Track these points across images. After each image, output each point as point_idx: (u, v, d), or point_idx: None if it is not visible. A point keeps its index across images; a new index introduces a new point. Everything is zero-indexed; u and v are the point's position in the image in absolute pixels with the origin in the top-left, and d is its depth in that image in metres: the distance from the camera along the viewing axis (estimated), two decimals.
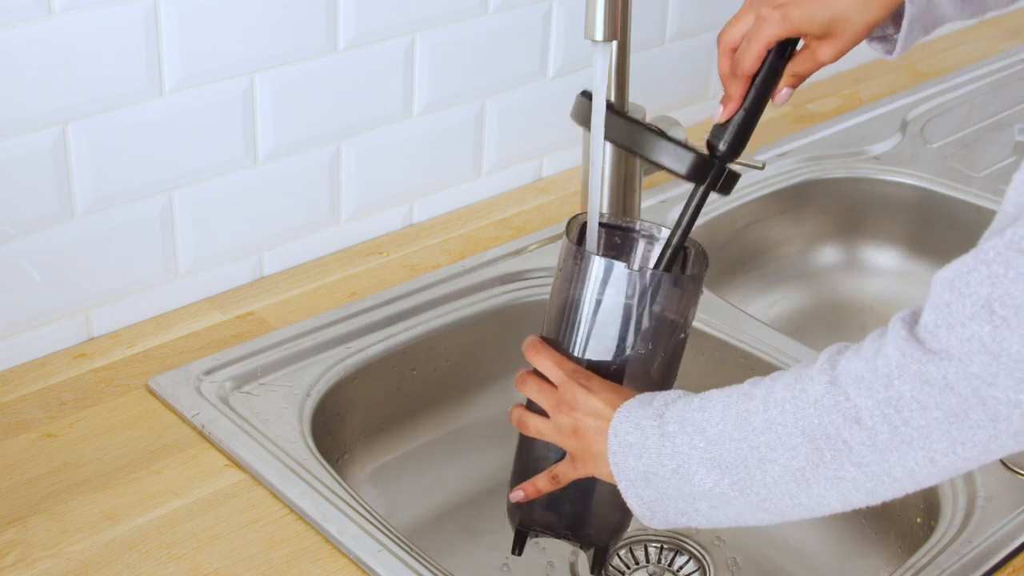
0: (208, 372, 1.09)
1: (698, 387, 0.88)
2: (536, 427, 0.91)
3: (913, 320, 0.74)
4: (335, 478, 0.98)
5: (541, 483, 0.93)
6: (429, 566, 0.90)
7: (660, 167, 0.92)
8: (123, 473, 0.99)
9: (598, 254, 0.94)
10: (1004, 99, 1.69)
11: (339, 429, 1.11)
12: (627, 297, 0.89)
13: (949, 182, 1.47)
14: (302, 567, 0.91)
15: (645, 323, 0.89)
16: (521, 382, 0.92)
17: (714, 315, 1.20)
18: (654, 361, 0.90)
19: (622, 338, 0.90)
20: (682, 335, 0.92)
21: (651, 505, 0.85)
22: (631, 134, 0.94)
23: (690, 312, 0.92)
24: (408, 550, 0.91)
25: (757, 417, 0.80)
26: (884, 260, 1.52)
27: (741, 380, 0.84)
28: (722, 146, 0.92)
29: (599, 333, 0.90)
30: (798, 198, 1.47)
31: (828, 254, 1.52)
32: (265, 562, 0.91)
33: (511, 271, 1.25)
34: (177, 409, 1.05)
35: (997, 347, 0.69)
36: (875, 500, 0.78)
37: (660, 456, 0.83)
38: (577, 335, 0.91)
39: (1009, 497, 0.98)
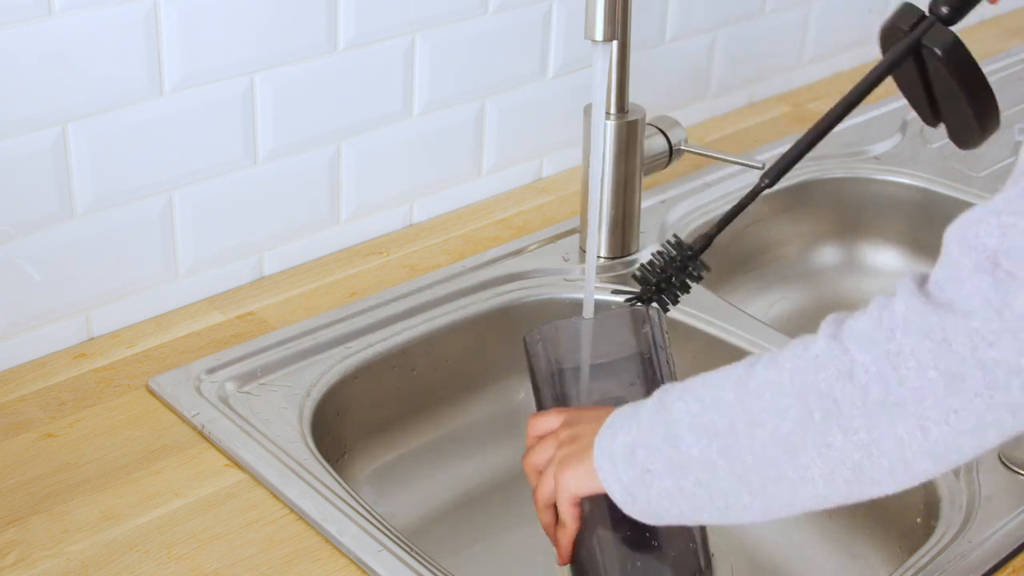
0: (208, 372, 1.09)
1: None
2: (536, 454, 0.90)
3: (924, 279, 0.71)
4: (335, 478, 0.98)
5: (546, 519, 0.91)
6: (429, 566, 0.90)
7: None
8: (123, 473, 0.99)
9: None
10: (1004, 99, 1.68)
11: (339, 429, 1.11)
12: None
13: (949, 182, 1.47)
14: (302, 567, 0.91)
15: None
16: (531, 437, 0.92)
17: (714, 315, 1.20)
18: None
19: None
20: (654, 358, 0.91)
21: (632, 488, 0.82)
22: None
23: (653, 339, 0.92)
24: (408, 550, 0.92)
25: (756, 379, 0.77)
26: (884, 260, 1.52)
27: None
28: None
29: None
30: (798, 198, 1.47)
31: (828, 254, 1.52)
32: (265, 562, 0.91)
33: (511, 271, 1.25)
34: (177, 409, 1.05)
35: (1001, 302, 0.67)
36: (860, 485, 0.74)
37: (652, 426, 0.81)
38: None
39: (1009, 497, 0.98)
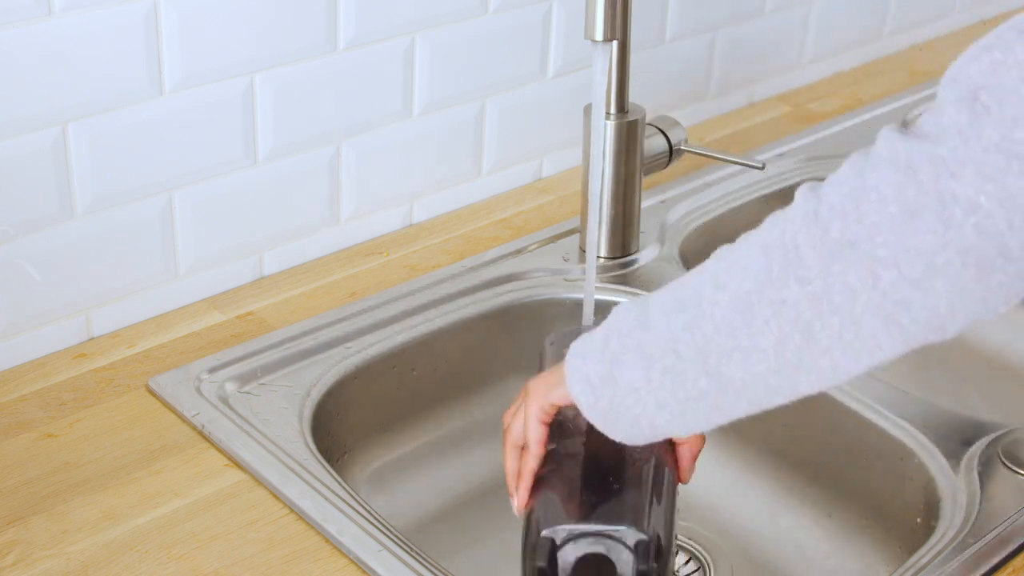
0: (208, 372, 1.09)
1: None
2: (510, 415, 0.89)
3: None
4: (335, 478, 0.98)
5: (510, 462, 0.88)
6: (429, 566, 0.90)
7: None
8: (123, 473, 0.99)
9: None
10: None
11: (339, 429, 1.11)
12: None
13: None
14: (302, 567, 0.91)
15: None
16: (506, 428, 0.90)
17: None
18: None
19: None
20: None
21: (598, 386, 0.80)
22: None
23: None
24: (408, 550, 0.92)
25: (733, 250, 0.76)
26: None
27: None
28: None
29: None
30: None
31: None
32: (265, 562, 0.91)
33: (511, 271, 1.25)
34: (177, 409, 1.05)
35: (971, 132, 0.65)
36: (811, 357, 0.72)
37: (627, 314, 0.80)
38: None
39: (1009, 497, 0.98)
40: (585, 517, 0.83)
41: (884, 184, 0.68)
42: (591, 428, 0.84)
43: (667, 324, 0.77)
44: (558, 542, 0.82)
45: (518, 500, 0.88)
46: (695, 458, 0.89)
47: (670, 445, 0.89)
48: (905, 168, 0.67)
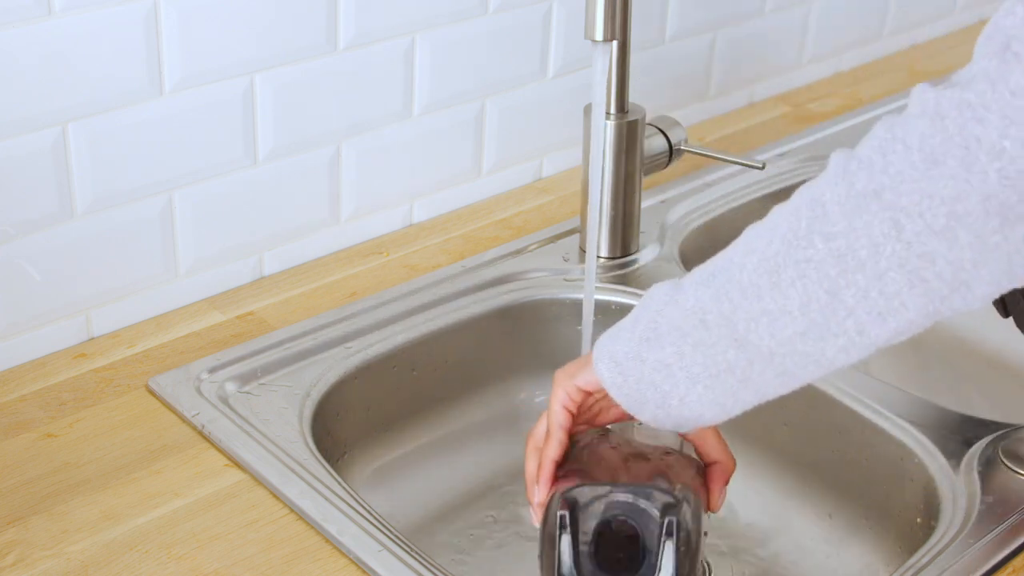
0: (208, 372, 1.09)
1: None
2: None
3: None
4: (335, 478, 0.98)
5: (531, 465, 0.84)
6: (429, 566, 0.90)
7: None
8: (123, 473, 0.99)
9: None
10: None
11: (339, 429, 1.11)
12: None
13: None
14: (302, 567, 0.91)
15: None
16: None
17: None
18: None
19: None
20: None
21: (623, 365, 0.78)
22: None
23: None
24: (408, 550, 0.91)
25: (762, 221, 0.75)
26: None
27: None
28: None
29: None
30: None
31: None
32: (265, 562, 0.91)
33: (511, 271, 1.25)
34: (177, 409, 1.05)
35: (999, 77, 0.65)
36: (836, 318, 0.71)
37: (659, 292, 0.79)
38: None
39: (1009, 497, 0.98)
40: (613, 486, 0.79)
41: (910, 132, 0.68)
42: (625, 459, 0.82)
43: (696, 296, 0.76)
44: (582, 502, 0.78)
45: (537, 493, 0.83)
46: (725, 482, 0.86)
47: (701, 475, 0.85)
48: (933, 116, 0.67)
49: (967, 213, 0.67)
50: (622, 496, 0.78)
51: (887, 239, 0.69)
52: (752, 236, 0.76)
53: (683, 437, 0.86)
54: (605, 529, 0.78)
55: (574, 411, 0.84)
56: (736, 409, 0.79)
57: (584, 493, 0.79)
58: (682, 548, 0.77)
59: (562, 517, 0.78)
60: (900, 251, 0.69)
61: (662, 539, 0.77)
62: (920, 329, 0.72)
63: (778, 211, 0.75)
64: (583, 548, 0.78)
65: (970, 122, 0.66)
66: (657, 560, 0.77)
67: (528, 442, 0.87)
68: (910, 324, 0.72)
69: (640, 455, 0.85)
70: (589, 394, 0.84)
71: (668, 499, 0.78)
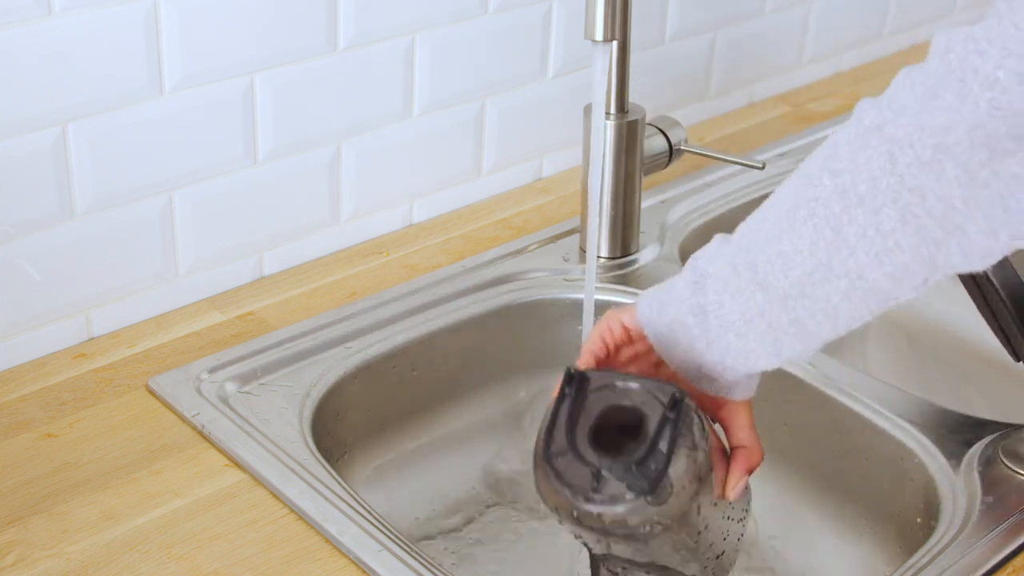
0: (208, 372, 1.09)
1: None
2: None
3: None
4: (335, 478, 0.98)
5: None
6: (429, 566, 0.90)
7: None
8: (123, 473, 0.99)
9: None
10: None
11: (339, 429, 1.11)
12: None
13: None
14: (302, 567, 0.91)
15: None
16: None
17: None
18: None
19: None
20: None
21: (664, 304, 0.78)
22: None
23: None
24: (408, 550, 0.92)
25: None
26: None
27: None
28: None
29: None
30: None
31: None
32: (265, 562, 0.91)
33: (511, 271, 1.25)
34: (177, 409, 1.05)
35: (1007, 11, 0.65)
36: (839, 256, 0.71)
37: (712, 245, 0.80)
38: None
39: (1009, 497, 0.98)
40: (626, 376, 0.78)
41: (921, 71, 0.69)
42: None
43: (738, 244, 0.78)
44: (593, 383, 0.78)
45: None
46: (747, 469, 0.84)
47: (725, 458, 0.84)
48: (943, 52, 0.67)
49: (955, 143, 0.67)
50: (633, 384, 0.78)
51: (883, 172, 0.69)
52: (785, 184, 0.78)
53: (717, 418, 0.85)
54: (609, 417, 0.78)
55: (610, 346, 0.84)
56: (762, 361, 0.78)
57: (596, 376, 0.79)
58: (684, 433, 0.76)
59: (568, 385, 0.78)
60: (894, 184, 0.69)
61: (664, 418, 0.76)
62: (920, 281, 0.72)
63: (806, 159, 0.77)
64: (581, 422, 0.78)
65: (972, 55, 0.66)
66: (656, 441, 0.76)
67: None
68: (905, 268, 0.71)
69: None
70: (629, 336, 0.84)
71: (678, 394, 0.77)
